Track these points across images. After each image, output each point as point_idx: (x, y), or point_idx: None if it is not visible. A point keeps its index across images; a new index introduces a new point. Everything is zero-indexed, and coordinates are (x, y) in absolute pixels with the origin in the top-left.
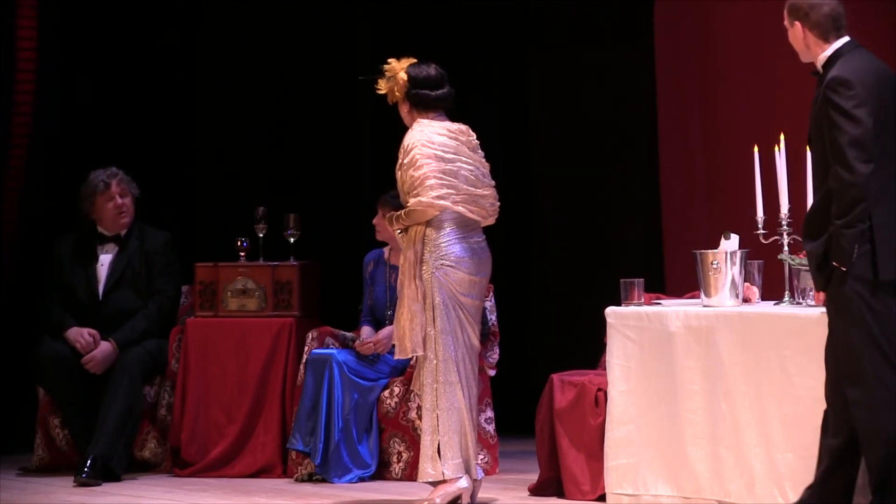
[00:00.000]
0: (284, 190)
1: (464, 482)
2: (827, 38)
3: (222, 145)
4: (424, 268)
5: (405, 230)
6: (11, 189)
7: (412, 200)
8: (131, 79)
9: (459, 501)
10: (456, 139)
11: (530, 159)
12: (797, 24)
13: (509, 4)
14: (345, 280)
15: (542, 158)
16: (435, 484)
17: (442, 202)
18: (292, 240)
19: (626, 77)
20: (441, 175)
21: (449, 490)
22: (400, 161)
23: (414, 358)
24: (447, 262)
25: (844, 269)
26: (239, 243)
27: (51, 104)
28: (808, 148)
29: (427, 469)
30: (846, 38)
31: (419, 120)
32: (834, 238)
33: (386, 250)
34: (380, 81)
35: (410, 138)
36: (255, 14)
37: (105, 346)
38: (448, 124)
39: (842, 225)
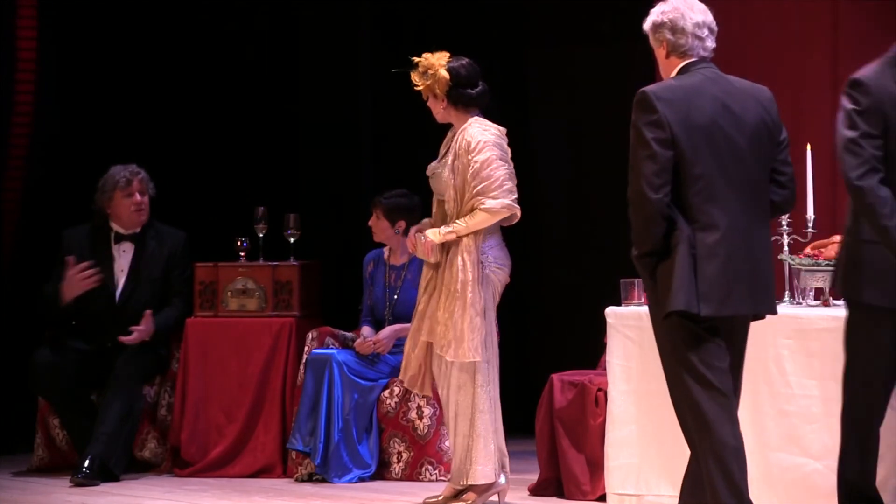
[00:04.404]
0: (284, 190)
1: (503, 479)
2: None
3: (222, 145)
4: (481, 269)
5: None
6: (11, 189)
7: (491, 202)
8: (131, 78)
9: (496, 500)
10: (504, 140)
11: (530, 159)
12: None
13: (508, 4)
14: (345, 280)
15: (541, 158)
16: (458, 484)
17: (517, 207)
18: (292, 240)
19: (626, 77)
20: (510, 178)
21: (488, 490)
22: (466, 159)
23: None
24: (497, 264)
25: None
26: (239, 243)
27: (51, 104)
28: (808, 147)
29: (485, 470)
30: None
31: (476, 118)
32: None
33: (385, 250)
34: (413, 76)
35: (475, 136)
36: (255, 13)
37: (148, 326)
38: (496, 125)
39: None
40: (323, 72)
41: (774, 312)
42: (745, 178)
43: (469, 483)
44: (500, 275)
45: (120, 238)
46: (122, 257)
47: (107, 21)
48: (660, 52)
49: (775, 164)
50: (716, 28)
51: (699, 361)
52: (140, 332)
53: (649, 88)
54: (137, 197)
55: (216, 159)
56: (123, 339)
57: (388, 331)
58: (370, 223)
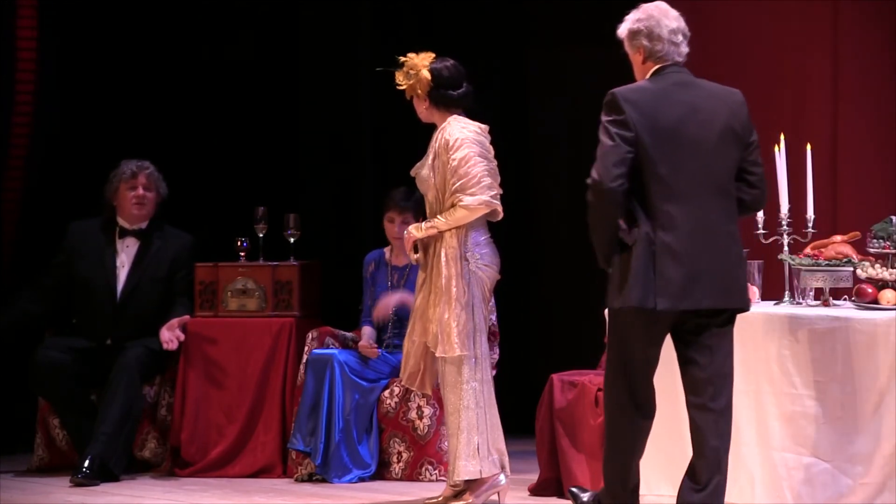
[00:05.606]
0: (284, 190)
1: (502, 479)
2: None
3: (223, 145)
4: (465, 265)
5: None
6: (11, 189)
7: (468, 199)
8: (131, 78)
9: (496, 500)
10: (485, 137)
11: (530, 158)
12: None
13: (508, 4)
14: (345, 280)
15: (541, 157)
16: (456, 484)
17: (496, 202)
18: (292, 240)
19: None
20: (489, 174)
21: (487, 487)
22: (445, 157)
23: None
24: (484, 261)
25: None
26: (239, 243)
27: (51, 104)
28: (808, 147)
29: (468, 466)
30: None
31: (456, 116)
32: None
33: (387, 250)
34: (398, 75)
35: (454, 134)
36: (254, 12)
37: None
38: (477, 123)
39: None
40: (323, 72)
41: (745, 308)
42: (710, 179)
43: (455, 479)
44: (487, 272)
45: (124, 233)
46: (125, 252)
47: (107, 21)
48: (636, 58)
49: (745, 164)
50: (689, 34)
51: (625, 360)
52: (180, 336)
53: (618, 90)
54: (140, 191)
55: (217, 159)
56: (166, 346)
57: (396, 297)
58: (394, 230)
